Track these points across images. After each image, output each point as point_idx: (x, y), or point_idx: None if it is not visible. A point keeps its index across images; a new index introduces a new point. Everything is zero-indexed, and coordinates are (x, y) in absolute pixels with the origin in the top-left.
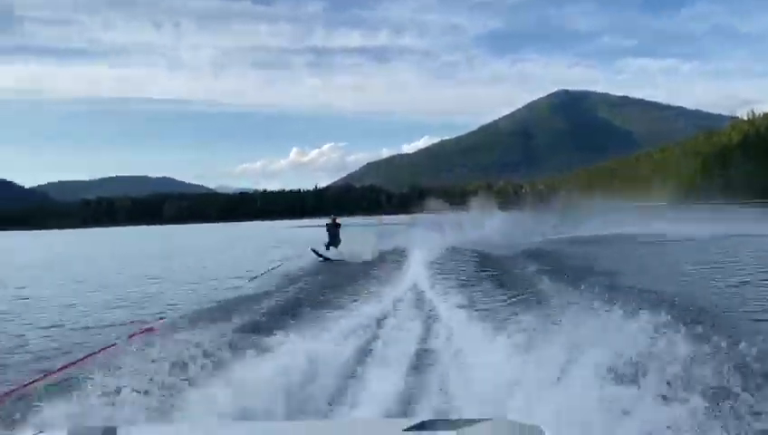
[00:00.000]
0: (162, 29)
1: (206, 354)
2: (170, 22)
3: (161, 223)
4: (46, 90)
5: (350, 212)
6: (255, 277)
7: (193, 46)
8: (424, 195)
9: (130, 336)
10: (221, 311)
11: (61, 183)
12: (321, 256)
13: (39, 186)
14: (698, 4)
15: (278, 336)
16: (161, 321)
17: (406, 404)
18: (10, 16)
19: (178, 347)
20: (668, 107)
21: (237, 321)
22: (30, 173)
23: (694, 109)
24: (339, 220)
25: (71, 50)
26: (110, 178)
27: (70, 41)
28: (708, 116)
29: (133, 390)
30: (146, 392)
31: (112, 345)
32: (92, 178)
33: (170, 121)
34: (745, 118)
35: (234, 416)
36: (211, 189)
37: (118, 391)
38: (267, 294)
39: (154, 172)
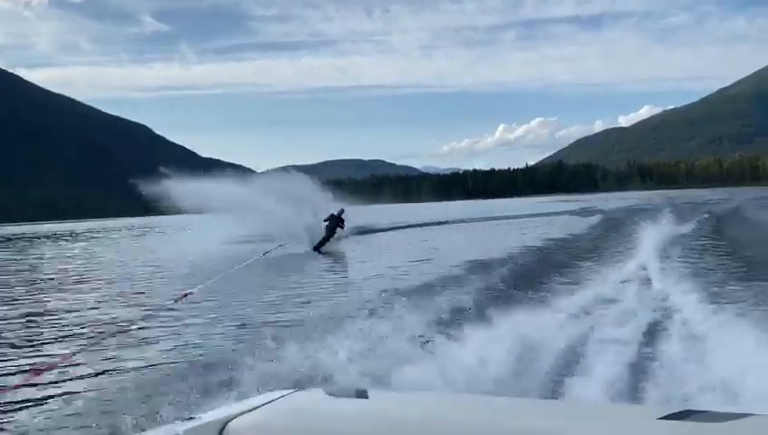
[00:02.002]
0: (373, 16)
1: (433, 326)
2: (381, 8)
3: (379, 202)
4: (274, 82)
5: (562, 190)
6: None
7: (402, 31)
8: (644, 172)
9: (176, 300)
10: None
11: (288, 167)
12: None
13: (269, 170)
14: None
15: (505, 311)
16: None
17: (636, 390)
18: (243, 17)
19: (402, 318)
20: None
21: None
22: (261, 159)
23: None
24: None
25: (294, 43)
26: (330, 162)
27: (293, 35)
28: None
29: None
30: (394, 358)
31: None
32: (314, 162)
33: (381, 106)
34: None
35: (469, 389)
36: (418, 170)
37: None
38: (501, 262)
39: (366, 155)
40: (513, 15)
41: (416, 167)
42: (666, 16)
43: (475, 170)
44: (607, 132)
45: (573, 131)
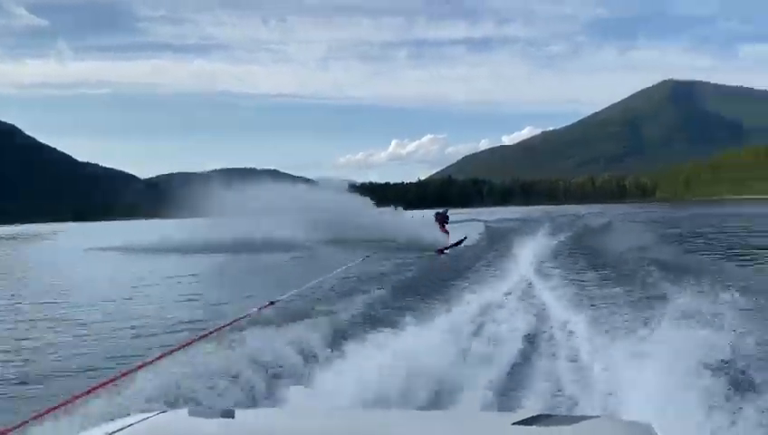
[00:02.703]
0: (269, 24)
1: (310, 346)
2: (277, 17)
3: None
4: (161, 84)
5: (452, 204)
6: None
7: (298, 41)
8: (526, 189)
9: (260, 308)
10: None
11: (176, 175)
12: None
13: (155, 177)
14: None
15: (385, 327)
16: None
17: (511, 398)
18: (128, 16)
19: (286, 336)
20: None
21: (342, 312)
22: (145, 165)
23: None
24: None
25: (184, 46)
26: (222, 170)
27: (184, 38)
28: None
29: (238, 376)
30: (255, 378)
31: (245, 316)
32: (205, 169)
33: (276, 115)
34: None
35: (342, 405)
36: (313, 181)
37: (231, 374)
38: (369, 281)
39: (260, 164)
40: (407, 34)
41: (311, 178)
42: (547, 44)
43: (371, 183)
44: (492, 150)
45: (461, 148)
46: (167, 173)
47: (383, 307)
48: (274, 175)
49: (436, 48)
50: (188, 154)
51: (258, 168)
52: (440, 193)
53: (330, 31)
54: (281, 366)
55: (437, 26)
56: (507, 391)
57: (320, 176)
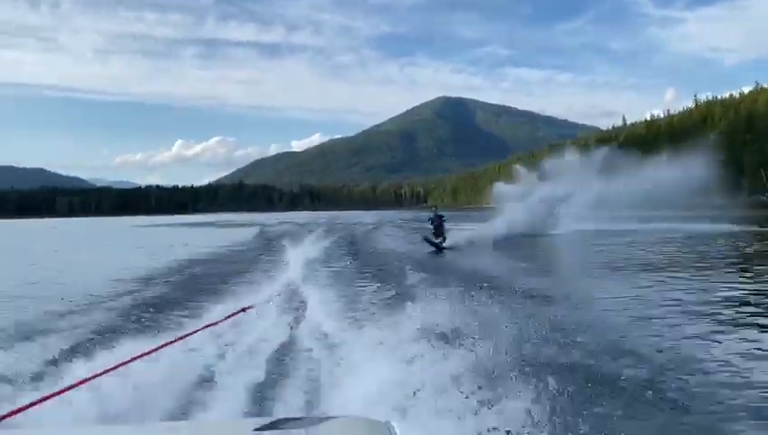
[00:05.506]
0: (40, 9)
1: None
2: (49, 2)
3: (51, 216)
4: None
5: (243, 209)
6: None
7: (74, 30)
8: (313, 194)
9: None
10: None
11: None
12: (433, 244)
13: None
14: (575, 20)
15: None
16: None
17: (263, 404)
18: None
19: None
20: (539, 116)
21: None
22: None
23: (562, 118)
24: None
25: None
26: None
27: None
28: (573, 125)
29: None
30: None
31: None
32: None
33: (42, 108)
34: (604, 128)
35: (90, 419)
36: (87, 182)
37: None
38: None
39: (23, 163)
40: (193, 32)
41: (84, 178)
42: (335, 55)
43: (158, 186)
44: (282, 155)
45: (251, 152)
46: None
47: None
48: (41, 174)
49: (224, 49)
50: None
51: (20, 166)
52: (231, 197)
53: (111, 23)
54: None
55: (226, 27)
56: (261, 396)
57: (93, 176)
